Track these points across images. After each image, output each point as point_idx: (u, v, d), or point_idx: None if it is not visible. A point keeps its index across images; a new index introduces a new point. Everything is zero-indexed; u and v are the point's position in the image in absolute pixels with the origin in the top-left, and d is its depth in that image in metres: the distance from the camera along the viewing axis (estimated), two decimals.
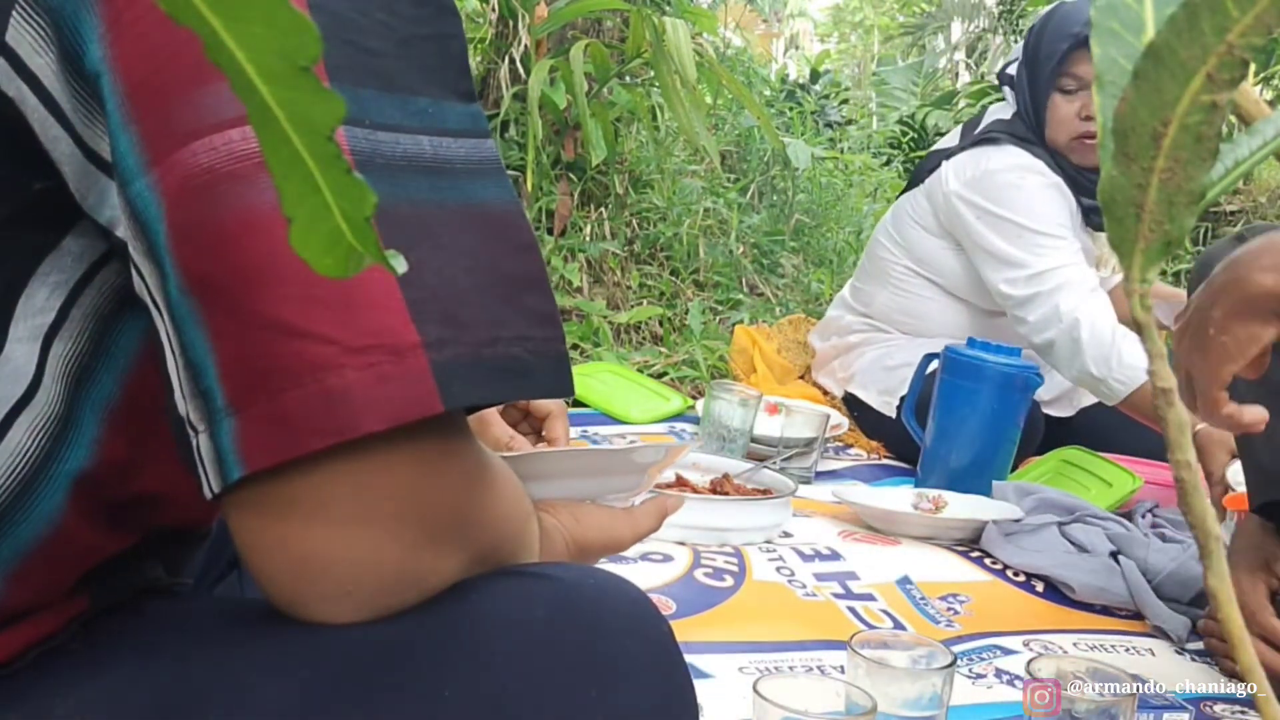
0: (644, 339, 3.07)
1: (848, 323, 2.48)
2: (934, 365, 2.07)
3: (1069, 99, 2.19)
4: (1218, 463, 1.78)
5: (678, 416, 2.37)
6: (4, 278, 0.51)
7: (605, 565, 0.71)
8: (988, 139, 2.26)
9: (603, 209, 3.34)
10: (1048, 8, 2.34)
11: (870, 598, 1.49)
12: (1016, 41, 5.44)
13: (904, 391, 2.19)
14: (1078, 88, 2.18)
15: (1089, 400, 2.33)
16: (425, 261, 0.48)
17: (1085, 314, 2.01)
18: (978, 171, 2.21)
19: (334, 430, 0.47)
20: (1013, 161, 2.20)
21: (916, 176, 2.41)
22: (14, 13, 0.48)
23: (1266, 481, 1.35)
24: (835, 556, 1.60)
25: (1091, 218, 2.25)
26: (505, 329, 0.50)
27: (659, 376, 2.70)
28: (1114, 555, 1.62)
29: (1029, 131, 2.24)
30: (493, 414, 1.00)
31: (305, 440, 0.47)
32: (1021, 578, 1.63)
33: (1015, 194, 2.15)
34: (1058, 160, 2.21)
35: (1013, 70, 2.30)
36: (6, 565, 0.52)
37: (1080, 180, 2.21)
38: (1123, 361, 1.96)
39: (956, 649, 1.30)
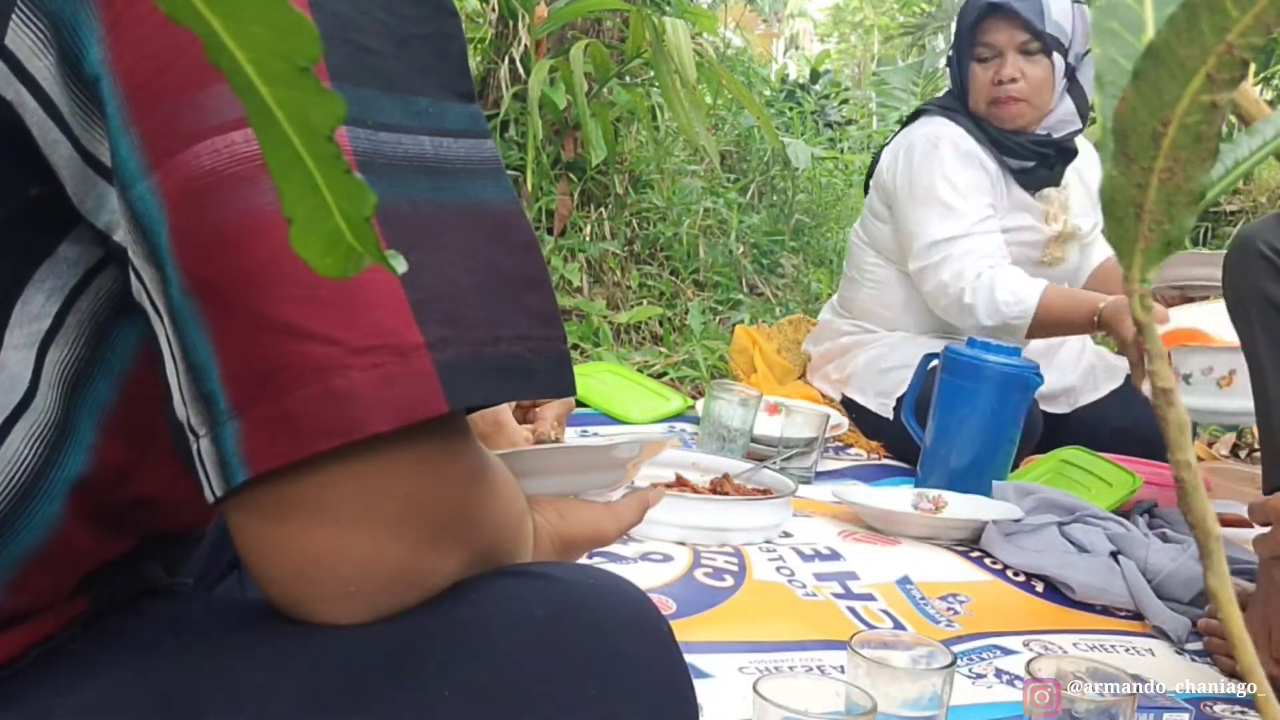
0: (644, 339, 3.07)
1: (836, 325, 2.54)
2: (933, 365, 2.07)
3: (984, 66, 2.28)
4: (1128, 328, 1.86)
5: (678, 416, 2.37)
6: (0, 284, 0.51)
7: (605, 566, 0.71)
8: (916, 114, 2.41)
9: (603, 209, 3.34)
10: None
11: (870, 598, 1.49)
12: None
13: (899, 393, 2.21)
14: (991, 55, 2.27)
15: (1086, 398, 2.35)
16: (426, 261, 0.48)
17: (968, 280, 2.13)
18: (903, 143, 2.33)
19: (340, 431, 0.46)
20: (928, 130, 2.31)
21: (869, 172, 2.50)
22: (14, 15, 0.48)
23: None
24: (835, 556, 1.60)
25: (1021, 177, 2.32)
26: (506, 328, 0.50)
27: (659, 376, 2.71)
28: (1114, 555, 1.62)
29: (955, 101, 2.35)
30: (509, 418, 1.00)
31: (310, 441, 0.46)
32: (1021, 578, 1.63)
33: (927, 161, 2.26)
34: (981, 125, 2.30)
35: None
36: (6, 572, 0.52)
37: (1005, 142, 2.30)
38: (1007, 302, 2.09)
39: (956, 649, 1.30)
